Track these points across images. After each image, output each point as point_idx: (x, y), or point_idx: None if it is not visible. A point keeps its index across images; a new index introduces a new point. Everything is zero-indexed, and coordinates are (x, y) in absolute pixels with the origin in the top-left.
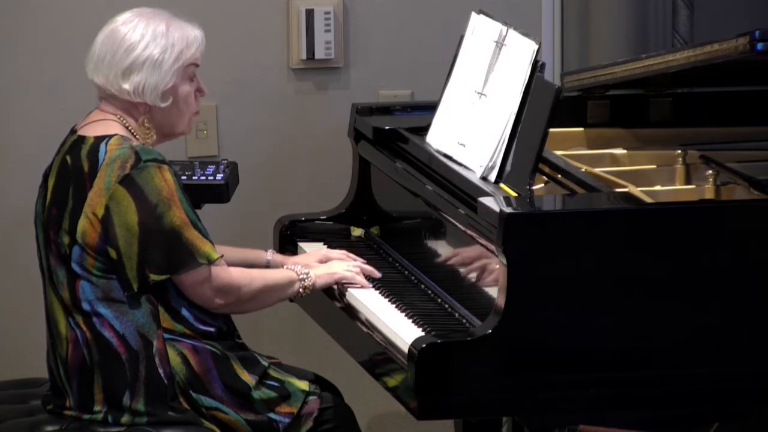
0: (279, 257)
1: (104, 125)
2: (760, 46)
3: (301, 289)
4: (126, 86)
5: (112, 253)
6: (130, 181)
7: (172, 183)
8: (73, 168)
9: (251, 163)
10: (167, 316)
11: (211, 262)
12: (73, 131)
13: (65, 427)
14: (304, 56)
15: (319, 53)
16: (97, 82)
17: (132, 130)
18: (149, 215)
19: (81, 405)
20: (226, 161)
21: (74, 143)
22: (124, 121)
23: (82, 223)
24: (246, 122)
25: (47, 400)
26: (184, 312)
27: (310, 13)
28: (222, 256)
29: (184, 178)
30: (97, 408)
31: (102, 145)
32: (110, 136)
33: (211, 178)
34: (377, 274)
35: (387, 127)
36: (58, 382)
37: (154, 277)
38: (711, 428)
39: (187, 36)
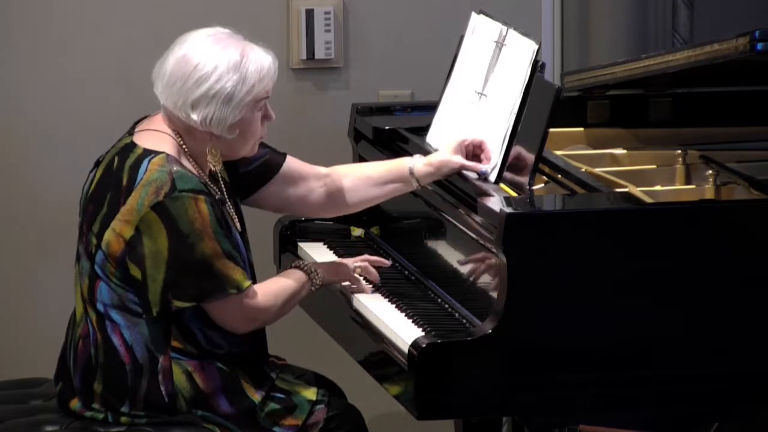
0: (421, 161)
1: (158, 138)
2: (760, 46)
3: (312, 288)
4: (194, 116)
5: (135, 272)
6: (163, 208)
7: (206, 215)
8: (115, 175)
9: None
10: (178, 334)
11: (240, 291)
12: (131, 131)
13: (65, 426)
14: (304, 56)
15: (319, 53)
16: (163, 104)
17: (186, 150)
18: (181, 243)
19: (83, 397)
20: None
21: (126, 147)
22: (180, 141)
23: (109, 235)
24: None
25: (57, 377)
26: (197, 333)
27: (310, 13)
28: (252, 284)
29: None
30: (96, 406)
31: (145, 162)
32: (156, 154)
33: None
34: (387, 263)
35: (387, 127)
36: (68, 359)
37: (177, 303)
38: (711, 428)
39: (261, 68)
